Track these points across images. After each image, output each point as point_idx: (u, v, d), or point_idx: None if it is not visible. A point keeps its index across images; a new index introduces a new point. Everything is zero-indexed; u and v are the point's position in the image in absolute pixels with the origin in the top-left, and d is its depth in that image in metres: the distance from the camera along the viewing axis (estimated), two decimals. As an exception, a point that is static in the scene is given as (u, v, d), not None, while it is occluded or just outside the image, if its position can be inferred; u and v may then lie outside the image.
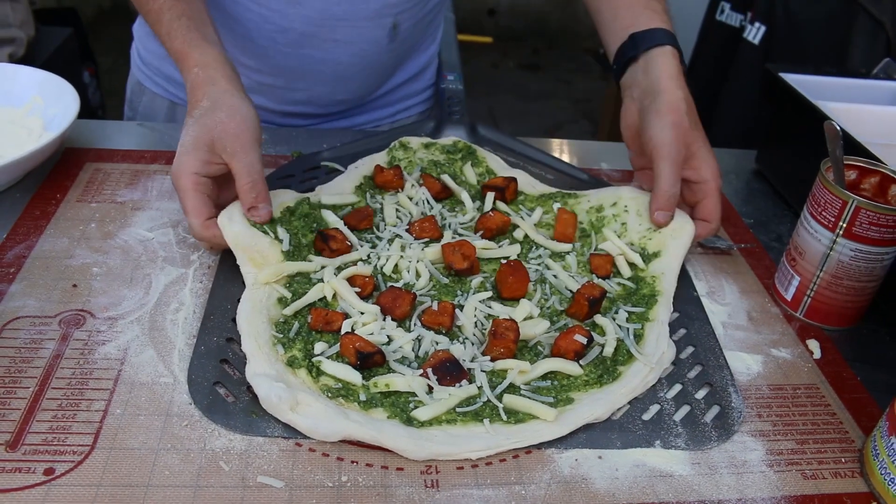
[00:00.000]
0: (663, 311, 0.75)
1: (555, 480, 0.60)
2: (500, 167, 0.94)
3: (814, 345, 0.76)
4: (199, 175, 0.74)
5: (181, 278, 0.77)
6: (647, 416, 0.67)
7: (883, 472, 0.61)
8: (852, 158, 0.77)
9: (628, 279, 0.80)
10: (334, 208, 0.85)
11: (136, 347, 0.69)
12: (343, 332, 0.69)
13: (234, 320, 0.70)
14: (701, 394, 0.69)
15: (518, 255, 0.82)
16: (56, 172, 0.91)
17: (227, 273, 0.76)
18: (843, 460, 0.65)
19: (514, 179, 0.89)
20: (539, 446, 0.63)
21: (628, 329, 0.73)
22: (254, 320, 0.69)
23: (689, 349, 0.74)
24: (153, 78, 1.12)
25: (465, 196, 0.88)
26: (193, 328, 0.71)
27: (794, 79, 0.97)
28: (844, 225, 0.73)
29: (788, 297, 0.80)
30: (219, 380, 0.65)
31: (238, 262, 0.75)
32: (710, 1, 1.79)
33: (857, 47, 1.41)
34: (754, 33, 1.58)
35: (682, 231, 0.82)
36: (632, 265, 0.82)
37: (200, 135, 0.74)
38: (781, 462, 0.64)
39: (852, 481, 0.63)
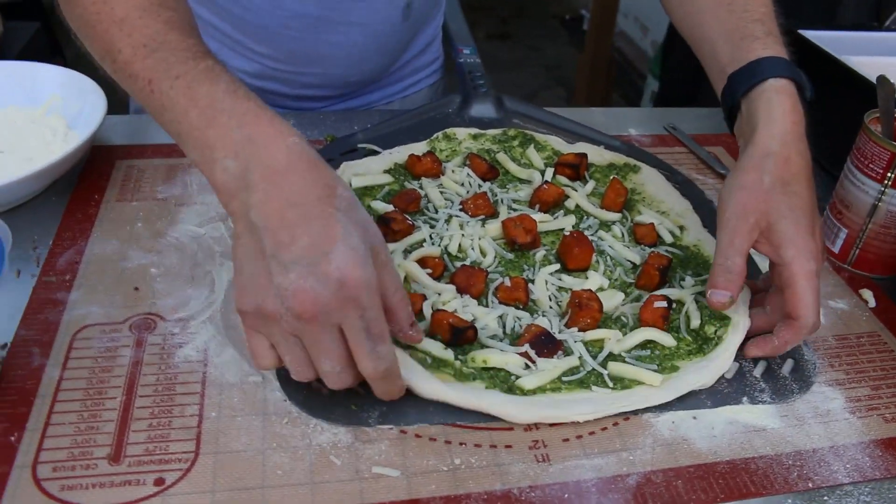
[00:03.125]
0: None
1: (658, 443, 0.62)
2: (563, 146, 0.95)
3: (867, 294, 0.79)
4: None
5: (244, 273, 0.76)
6: (729, 375, 0.68)
7: (962, 410, 0.63)
8: None
9: (673, 245, 0.81)
10: (367, 190, 0.85)
11: (215, 347, 0.68)
12: (431, 311, 0.69)
13: None
14: (777, 349, 0.71)
15: (573, 226, 0.82)
16: (88, 172, 0.88)
17: None
18: (917, 402, 0.68)
19: (584, 155, 0.90)
20: (637, 412, 0.64)
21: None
22: None
23: (749, 296, 0.75)
24: None
25: (536, 175, 0.89)
26: (269, 323, 0.70)
27: (813, 35, 0.99)
28: (893, 175, 0.75)
29: (836, 250, 0.83)
30: (306, 393, 0.65)
31: None
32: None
33: (848, 5, 1.43)
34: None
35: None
36: (671, 233, 0.83)
37: (364, 240, 0.55)
38: (862, 408, 0.67)
39: (931, 422, 0.66)
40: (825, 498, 0.59)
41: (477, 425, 0.62)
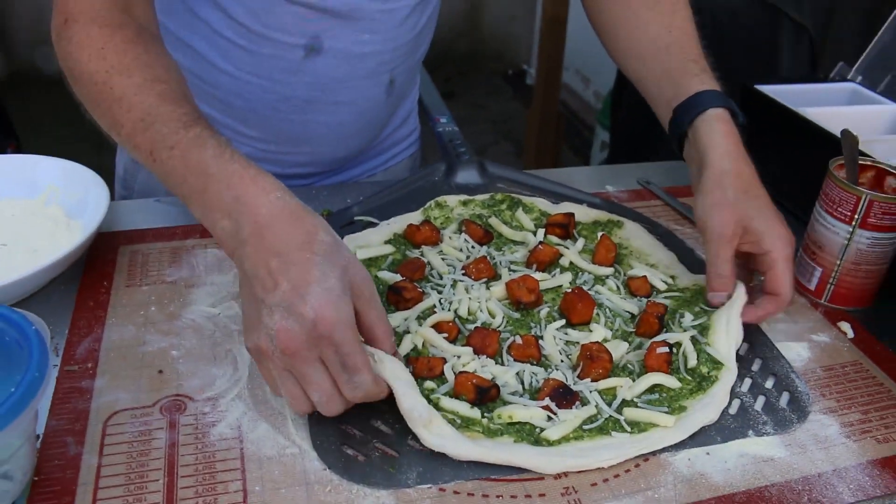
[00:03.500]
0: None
1: (678, 480, 0.66)
2: (549, 207, 1.00)
3: (845, 326, 0.86)
4: (355, 325, 0.63)
5: (264, 349, 0.78)
6: (732, 411, 0.73)
7: (946, 427, 0.69)
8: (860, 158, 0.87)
9: (670, 290, 0.87)
10: (372, 261, 0.89)
11: (248, 424, 0.70)
12: (455, 373, 0.73)
13: None
14: (769, 383, 0.77)
15: (570, 283, 0.87)
16: (92, 259, 0.90)
17: None
18: (904, 423, 0.74)
19: (572, 214, 0.95)
20: (654, 453, 0.68)
21: (697, 330, 0.80)
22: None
23: (745, 345, 0.81)
24: None
25: (529, 237, 0.94)
26: (296, 395, 0.73)
27: (767, 89, 1.07)
28: (860, 217, 0.82)
29: (812, 287, 0.89)
30: (344, 442, 0.67)
31: None
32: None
33: (784, 52, 1.55)
34: (685, 46, 1.71)
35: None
36: (664, 281, 0.89)
37: (342, 277, 0.62)
38: (856, 432, 0.72)
39: (918, 440, 0.72)
40: (836, 519, 0.64)
41: (509, 478, 0.66)
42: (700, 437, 0.70)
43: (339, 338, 0.61)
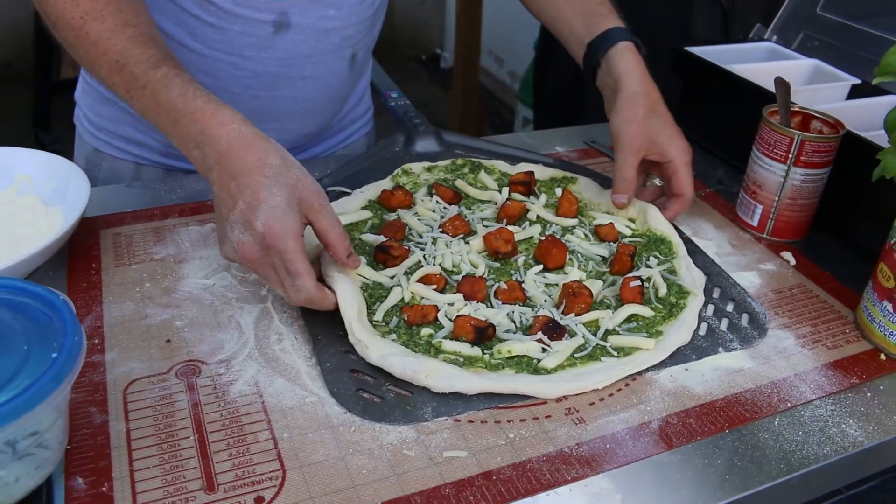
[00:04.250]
0: (681, 248, 0.91)
1: (665, 394, 0.74)
2: (508, 168, 1.07)
3: (787, 255, 0.96)
4: (301, 235, 0.74)
5: (265, 313, 0.82)
6: (702, 333, 0.82)
7: (883, 330, 0.80)
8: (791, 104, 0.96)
9: (633, 236, 0.95)
10: (354, 226, 0.93)
11: (264, 379, 0.73)
12: (450, 319, 0.78)
13: (341, 336, 0.77)
14: (730, 307, 0.86)
15: (540, 234, 0.94)
16: (75, 244, 0.91)
17: (313, 328, 0.80)
18: (846, 331, 0.84)
19: (532, 173, 1.02)
20: (640, 373, 0.76)
21: (664, 269, 0.88)
22: (361, 312, 0.77)
23: (704, 277, 0.90)
24: (112, 142, 1.12)
25: (498, 195, 1.00)
26: (305, 351, 0.77)
27: (696, 51, 1.17)
28: (794, 156, 0.92)
29: (754, 223, 0.99)
30: (359, 387, 0.72)
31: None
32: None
33: (697, 20, 1.66)
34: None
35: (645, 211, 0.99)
36: (627, 227, 0.97)
37: (289, 194, 0.73)
38: (809, 342, 0.82)
39: (860, 344, 0.82)
40: (802, 413, 0.73)
41: (516, 405, 0.72)
42: (677, 357, 0.78)
43: (283, 247, 0.72)
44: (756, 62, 1.18)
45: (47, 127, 3.15)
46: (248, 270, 0.81)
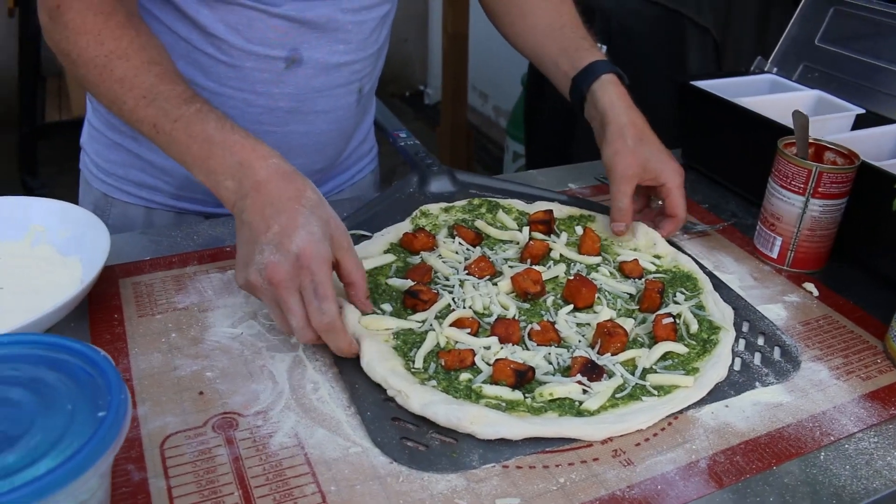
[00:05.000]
0: (706, 283, 0.91)
1: (708, 432, 0.74)
2: (525, 207, 1.07)
3: (810, 286, 0.96)
4: (331, 265, 0.75)
5: (297, 361, 0.80)
6: (736, 368, 0.82)
7: (915, 359, 0.80)
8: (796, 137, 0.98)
9: (657, 272, 0.95)
10: (378, 270, 0.92)
11: (304, 431, 0.72)
12: (487, 362, 0.78)
13: (386, 401, 0.75)
14: (760, 341, 0.86)
15: (565, 273, 0.94)
16: (95, 295, 0.89)
17: (349, 377, 0.79)
18: (878, 361, 0.84)
19: (551, 212, 1.02)
20: (681, 411, 0.76)
21: (692, 305, 0.88)
22: (393, 364, 0.76)
23: (731, 311, 0.90)
24: (122, 187, 1.11)
25: (520, 235, 1.00)
26: (343, 400, 0.75)
27: (701, 84, 1.19)
28: (812, 188, 0.93)
29: (774, 255, 1.00)
30: (403, 436, 0.71)
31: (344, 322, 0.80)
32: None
33: (691, 53, 1.69)
34: (597, 53, 1.83)
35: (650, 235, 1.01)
36: (651, 263, 0.97)
37: (323, 227, 0.75)
38: (842, 374, 0.82)
39: (893, 374, 0.82)
40: (846, 446, 0.73)
41: (562, 448, 0.71)
42: (716, 393, 0.78)
43: (315, 268, 0.73)
44: (758, 94, 1.20)
45: (34, 172, 3.11)
46: (263, 304, 0.79)
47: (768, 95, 1.19)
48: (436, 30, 4.08)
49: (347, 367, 0.79)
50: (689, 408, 0.76)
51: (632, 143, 0.97)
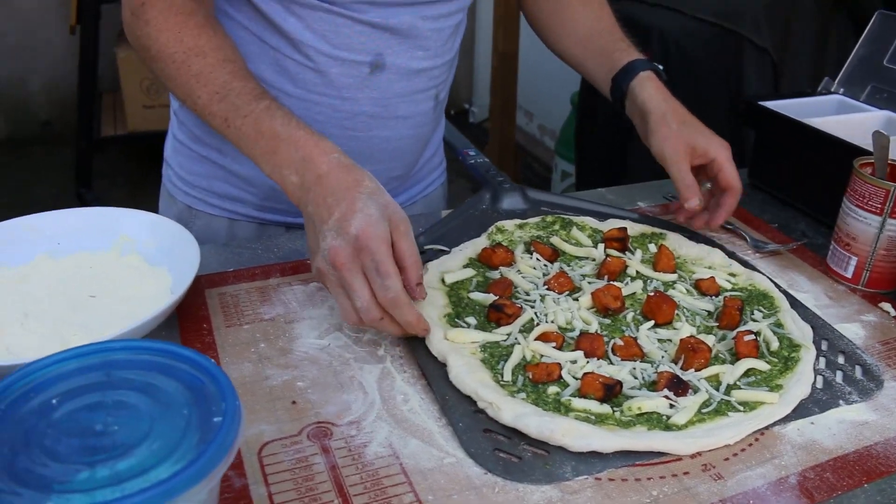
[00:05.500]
0: (783, 302, 0.92)
1: (796, 448, 0.74)
2: (598, 224, 1.08)
3: (886, 306, 0.96)
4: (391, 244, 0.78)
5: (386, 373, 0.82)
6: (819, 385, 0.82)
7: None
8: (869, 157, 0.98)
9: (733, 290, 0.96)
10: (460, 284, 0.94)
11: (398, 441, 0.73)
12: (574, 376, 0.79)
13: (476, 412, 0.76)
14: (841, 359, 0.86)
15: (642, 289, 0.95)
16: (183, 305, 0.91)
17: (425, 358, 0.83)
18: (961, 380, 0.84)
19: (625, 229, 1.03)
20: (767, 428, 0.76)
21: (770, 323, 0.89)
22: (482, 377, 0.77)
23: (811, 329, 0.90)
24: (206, 199, 1.15)
25: (596, 252, 1.02)
26: (433, 411, 0.77)
27: (770, 104, 1.19)
28: (889, 208, 0.94)
29: (849, 275, 1.00)
30: (496, 447, 0.72)
31: (429, 339, 0.83)
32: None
33: (748, 73, 1.69)
34: (654, 74, 1.84)
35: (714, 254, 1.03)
36: (727, 280, 0.98)
37: (381, 210, 0.78)
38: (927, 393, 0.82)
39: (979, 393, 0.82)
40: (936, 466, 0.73)
41: (652, 462, 0.72)
42: (801, 411, 0.78)
43: (375, 247, 0.76)
44: (825, 115, 1.20)
45: (89, 185, 3.20)
46: (331, 292, 0.81)
47: (837, 116, 1.20)
48: (481, 49, 4.12)
49: (436, 378, 0.80)
50: (774, 424, 0.76)
51: (676, 127, 1.02)
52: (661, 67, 1.10)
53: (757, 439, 0.75)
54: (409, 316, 0.79)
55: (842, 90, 1.28)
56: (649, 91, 1.05)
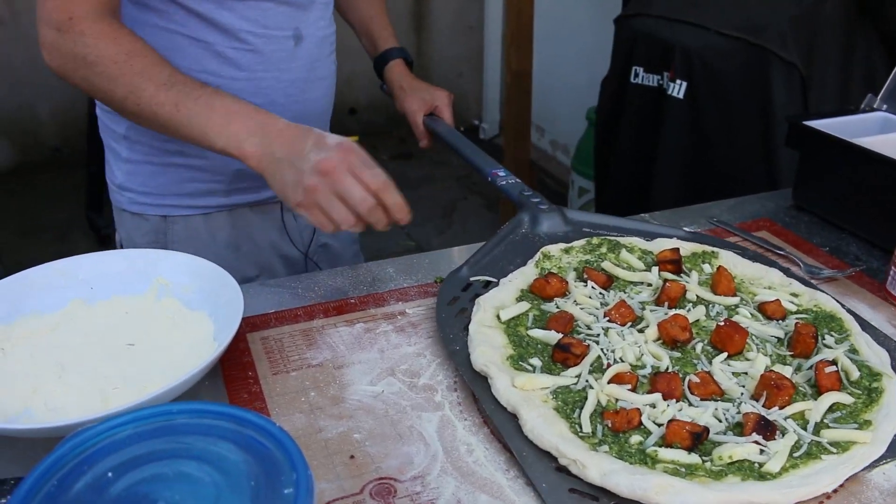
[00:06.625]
0: (853, 324, 0.89)
1: (884, 494, 0.71)
2: (645, 245, 1.05)
3: (951, 328, 0.92)
4: None
5: (446, 421, 0.78)
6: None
7: None
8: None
9: (799, 312, 0.93)
10: (518, 320, 0.90)
11: (466, 496, 0.70)
12: (654, 422, 0.75)
13: (558, 470, 0.71)
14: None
15: (706, 315, 0.92)
16: (226, 351, 0.88)
17: (492, 408, 0.78)
18: None
19: (678, 249, 1.00)
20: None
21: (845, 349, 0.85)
22: (560, 429, 0.73)
23: (887, 353, 0.86)
24: (180, 203, 1.21)
25: (651, 276, 0.98)
26: (500, 462, 0.73)
27: (815, 124, 1.16)
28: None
29: (909, 296, 0.96)
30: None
31: (495, 387, 0.78)
32: (618, 68, 1.99)
33: (776, 89, 1.66)
34: (677, 89, 1.80)
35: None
36: (791, 302, 0.94)
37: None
38: None
39: None
40: None
41: (743, 513, 0.68)
42: (894, 448, 0.74)
43: (356, 150, 0.90)
44: (870, 133, 1.17)
45: (100, 210, 3.16)
46: (322, 203, 0.89)
47: (886, 135, 1.16)
48: (491, 65, 4.10)
49: (510, 433, 0.75)
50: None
51: (410, 91, 1.42)
52: (408, 53, 1.46)
53: (842, 485, 0.71)
54: (397, 197, 0.91)
55: (885, 107, 1.25)
56: (395, 71, 1.43)
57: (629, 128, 2.01)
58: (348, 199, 0.88)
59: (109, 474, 0.57)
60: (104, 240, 3.12)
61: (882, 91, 1.25)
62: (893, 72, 1.24)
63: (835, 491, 0.71)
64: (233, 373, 0.86)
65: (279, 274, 1.29)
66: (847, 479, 0.71)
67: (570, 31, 3.25)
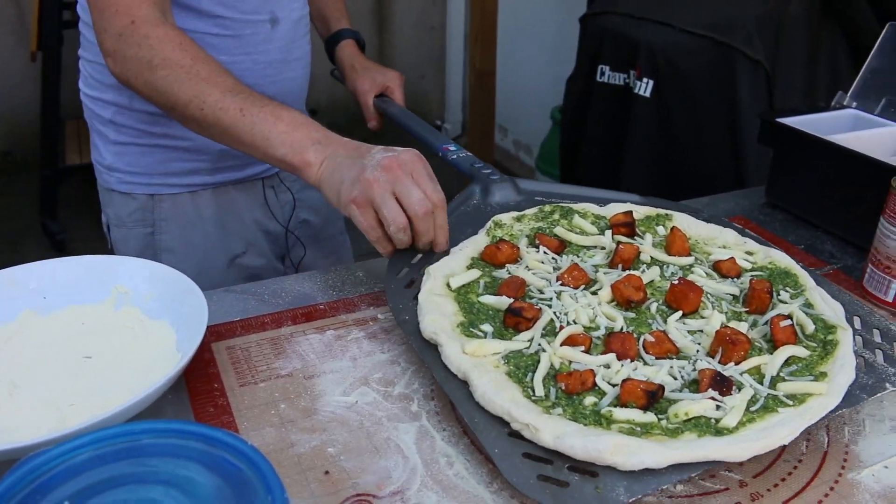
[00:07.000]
0: (808, 280, 0.88)
1: (875, 497, 0.69)
2: (598, 210, 1.03)
3: (930, 329, 0.92)
4: None
5: (423, 432, 0.75)
6: (861, 368, 0.78)
7: None
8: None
9: (754, 269, 0.92)
10: (468, 287, 0.88)
11: (447, 511, 0.67)
12: (609, 383, 0.74)
13: (511, 435, 0.69)
14: (878, 337, 0.82)
15: (660, 276, 0.91)
16: (190, 362, 0.83)
17: (443, 376, 0.75)
18: None
19: (631, 212, 0.99)
20: (840, 474, 0.71)
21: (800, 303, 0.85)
22: (512, 394, 0.71)
23: (841, 307, 0.85)
24: (167, 182, 1.22)
25: (604, 239, 0.97)
26: (482, 475, 0.70)
27: (788, 121, 1.15)
28: (932, 228, 0.90)
29: (889, 299, 0.96)
30: (539, 474, 0.65)
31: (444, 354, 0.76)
32: (584, 67, 1.98)
33: (742, 86, 1.66)
34: (644, 88, 1.79)
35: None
36: (746, 260, 0.94)
37: None
38: None
39: None
40: None
41: (710, 472, 0.68)
42: (849, 398, 0.73)
43: (422, 162, 0.90)
44: (842, 130, 1.16)
45: (54, 215, 3.05)
46: (377, 199, 0.88)
47: (858, 132, 1.16)
48: (454, 66, 4.07)
49: (460, 399, 0.72)
50: (848, 469, 0.72)
51: (361, 71, 1.43)
52: (360, 36, 1.49)
53: (832, 488, 0.70)
54: (446, 220, 0.91)
55: (854, 104, 1.25)
56: (347, 52, 1.45)
57: (596, 127, 2.00)
58: (405, 198, 0.87)
59: (66, 503, 0.53)
60: (58, 246, 3.00)
61: (852, 88, 1.25)
62: (862, 69, 1.24)
63: (825, 495, 0.69)
64: (198, 385, 0.81)
65: (265, 250, 1.32)
66: (837, 483, 0.70)
67: (534, 29, 3.24)
